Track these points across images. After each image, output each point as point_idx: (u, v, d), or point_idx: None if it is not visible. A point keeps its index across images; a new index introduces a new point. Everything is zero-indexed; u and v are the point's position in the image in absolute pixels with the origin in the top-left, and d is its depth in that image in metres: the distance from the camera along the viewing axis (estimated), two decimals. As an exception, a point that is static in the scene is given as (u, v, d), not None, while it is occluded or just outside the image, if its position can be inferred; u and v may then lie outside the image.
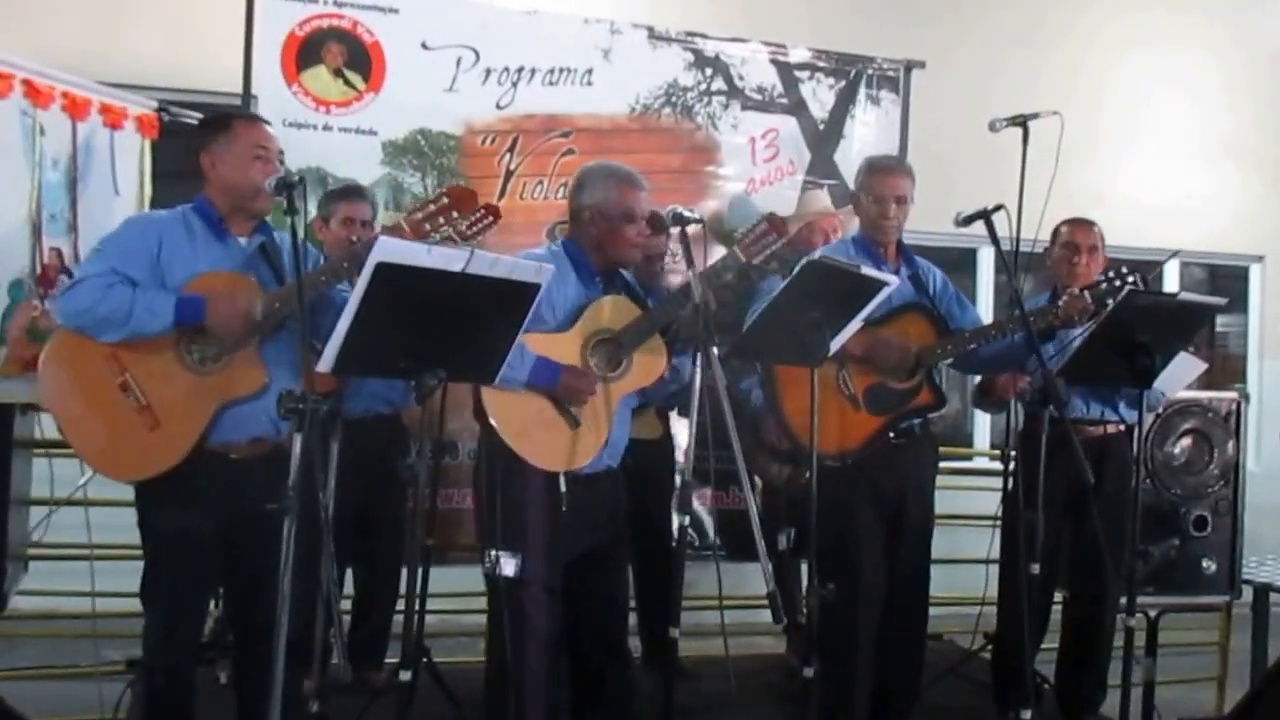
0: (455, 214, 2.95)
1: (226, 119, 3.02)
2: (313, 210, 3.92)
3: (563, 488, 3.04)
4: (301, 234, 2.63)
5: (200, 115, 4.19)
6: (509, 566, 2.96)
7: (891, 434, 3.52)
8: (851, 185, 4.66)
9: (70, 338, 2.82)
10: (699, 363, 2.91)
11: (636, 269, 3.54)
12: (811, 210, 4.46)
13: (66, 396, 2.84)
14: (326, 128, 4.05)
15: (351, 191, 3.86)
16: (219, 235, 2.90)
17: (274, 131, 3.01)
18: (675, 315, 3.15)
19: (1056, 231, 4.05)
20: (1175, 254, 6.52)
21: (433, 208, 2.94)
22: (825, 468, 3.42)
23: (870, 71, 4.79)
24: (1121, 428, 3.93)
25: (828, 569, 3.51)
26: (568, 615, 3.16)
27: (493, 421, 3.01)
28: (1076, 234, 3.99)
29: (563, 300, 3.11)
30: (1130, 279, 3.49)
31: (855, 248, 3.62)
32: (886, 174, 3.60)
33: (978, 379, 4.23)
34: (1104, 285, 3.51)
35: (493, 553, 2.97)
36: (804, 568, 3.63)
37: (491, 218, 3.46)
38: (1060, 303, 3.51)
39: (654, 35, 4.48)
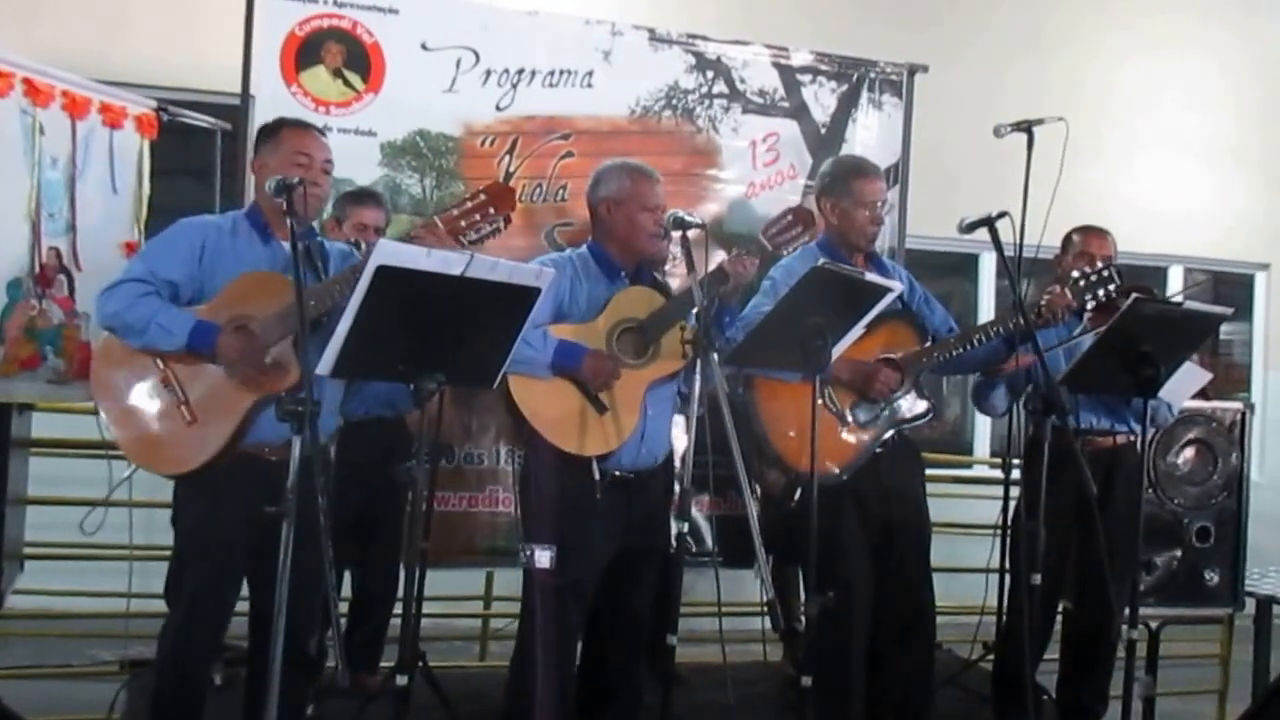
0: (492, 210, 2.92)
1: (277, 126, 3.07)
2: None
3: (596, 476, 3.06)
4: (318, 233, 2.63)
5: (199, 115, 4.23)
6: (543, 559, 2.99)
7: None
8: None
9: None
10: (699, 368, 2.90)
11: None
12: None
13: (112, 391, 2.90)
14: (325, 128, 3.98)
15: (367, 196, 3.84)
16: (264, 238, 2.97)
17: (325, 142, 3.03)
18: (699, 302, 3.16)
19: (1069, 240, 4.00)
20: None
21: (470, 205, 2.91)
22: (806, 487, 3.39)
23: (873, 75, 4.76)
24: (1132, 438, 3.88)
25: (818, 586, 3.49)
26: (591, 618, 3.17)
27: (524, 413, 3.03)
28: (1093, 244, 3.94)
29: (589, 298, 3.16)
30: (1105, 272, 3.48)
31: (824, 253, 3.52)
32: (876, 179, 3.58)
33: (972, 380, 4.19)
34: (1083, 282, 3.49)
35: (527, 546, 3.00)
36: (799, 574, 3.61)
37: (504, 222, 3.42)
38: (1044, 301, 3.48)
39: (655, 37, 4.46)
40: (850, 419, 3.46)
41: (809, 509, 3.03)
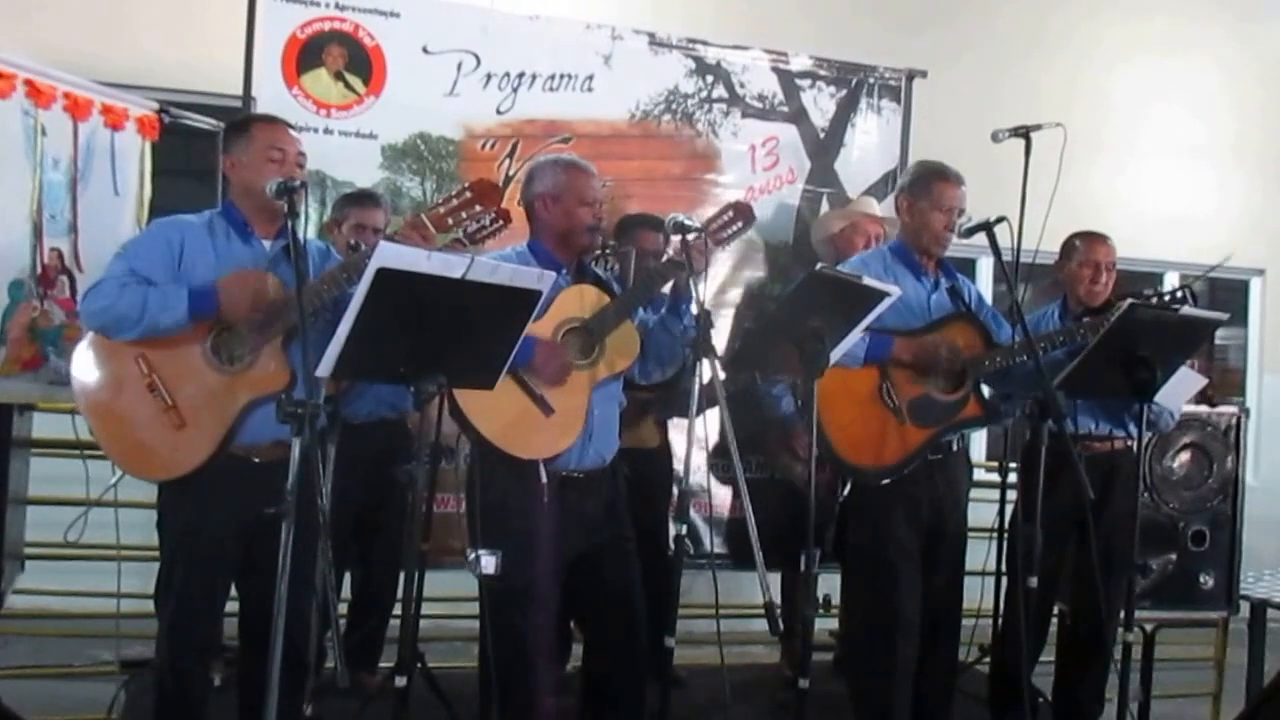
0: (478, 207, 2.93)
1: (246, 122, 3.04)
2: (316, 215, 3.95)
3: (543, 479, 3.02)
4: (308, 235, 2.62)
5: (201, 117, 4.24)
6: (488, 565, 2.94)
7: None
8: (851, 194, 4.70)
9: (100, 339, 2.85)
10: (698, 371, 2.91)
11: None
12: (857, 211, 4.44)
13: (96, 397, 2.86)
14: (326, 131, 4.04)
15: (365, 197, 3.84)
16: (244, 237, 2.93)
17: (295, 134, 3.01)
18: (645, 300, 3.16)
19: (1071, 245, 4.02)
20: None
21: (455, 201, 2.92)
22: (862, 485, 3.39)
23: (872, 80, 4.78)
24: (1130, 443, 3.89)
25: (860, 594, 3.47)
26: (565, 619, 3.14)
27: (469, 418, 3.00)
28: (1097, 251, 3.96)
29: None
30: (1180, 293, 3.51)
31: (894, 256, 3.57)
32: (957, 185, 3.53)
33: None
34: (1155, 300, 3.53)
35: (473, 551, 2.95)
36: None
37: (502, 221, 3.44)
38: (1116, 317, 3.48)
39: (655, 42, 4.48)
40: (907, 416, 3.42)
41: (810, 518, 3.02)
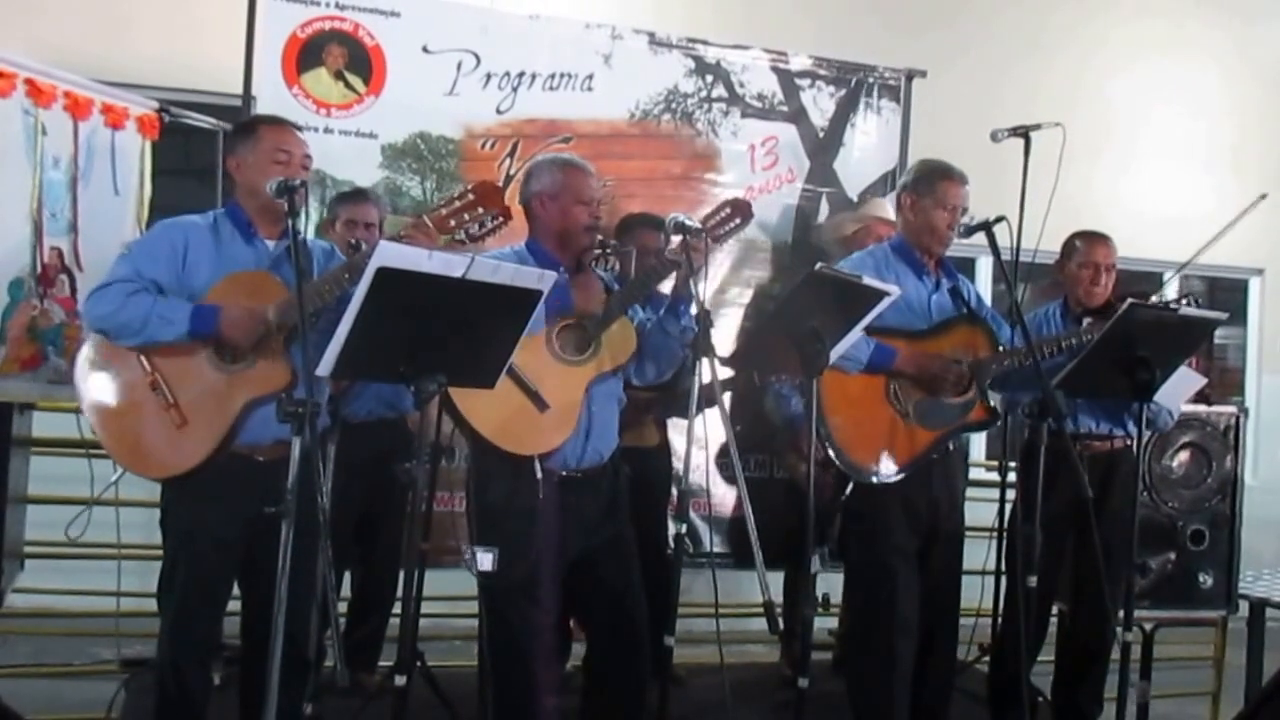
0: (480, 210, 2.93)
1: (253, 123, 3.05)
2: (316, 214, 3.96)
3: (538, 475, 3.02)
4: (308, 234, 2.62)
5: (201, 116, 4.24)
6: (484, 561, 2.93)
7: None
8: (850, 194, 4.71)
9: (103, 338, 2.86)
10: (698, 371, 2.91)
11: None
12: (871, 214, 4.44)
13: (99, 395, 2.87)
14: (327, 130, 4.04)
15: (355, 194, 3.86)
16: (247, 238, 2.94)
17: (301, 137, 3.02)
18: (640, 296, 3.16)
19: (1071, 246, 4.02)
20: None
21: (458, 204, 2.93)
22: (861, 486, 3.40)
23: (871, 80, 4.79)
24: (1129, 442, 3.89)
25: (858, 594, 3.47)
26: (566, 618, 3.13)
27: (464, 415, 2.99)
28: (1098, 252, 3.96)
29: None
30: (1185, 300, 3.54)
31: (895, 254, 3.56)
32: (961, 184, 3.51)
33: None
34: (1163, 307, 3.54)
35: (469, 548, 2.95)
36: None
37: (503, 219, 3.44)
38: None
39: (655, 41, 4.49)
40: (914, 418, 3.42)
41: (808, 519, 3.02)
